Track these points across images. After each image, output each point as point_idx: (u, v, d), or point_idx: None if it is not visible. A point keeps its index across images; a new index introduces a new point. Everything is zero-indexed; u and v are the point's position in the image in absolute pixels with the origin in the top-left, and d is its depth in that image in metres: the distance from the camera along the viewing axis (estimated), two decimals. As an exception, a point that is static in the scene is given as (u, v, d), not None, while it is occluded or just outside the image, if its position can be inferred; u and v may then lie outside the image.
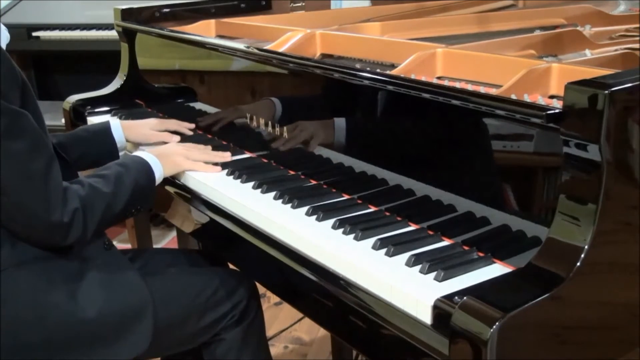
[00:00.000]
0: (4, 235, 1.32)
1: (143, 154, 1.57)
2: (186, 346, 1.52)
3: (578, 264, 0.98)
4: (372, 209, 1.37)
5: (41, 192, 1.28)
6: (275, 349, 2.49)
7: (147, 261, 1.65)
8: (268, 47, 1.71)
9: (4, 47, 1.33)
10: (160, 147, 1.69)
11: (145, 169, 1.51)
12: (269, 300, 2.76)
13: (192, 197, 1.60)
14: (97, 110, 2.19)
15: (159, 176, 1.54)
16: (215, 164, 1.63)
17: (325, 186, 1.49)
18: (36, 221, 1.29)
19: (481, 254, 1.15)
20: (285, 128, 1.60)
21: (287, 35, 1.77)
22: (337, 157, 1.49)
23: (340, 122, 1.48)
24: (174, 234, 3.30)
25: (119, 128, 1.76)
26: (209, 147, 1.70)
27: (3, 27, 1.41)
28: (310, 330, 2.65)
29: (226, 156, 1.66)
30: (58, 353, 1.33)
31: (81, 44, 3.51)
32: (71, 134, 1.74)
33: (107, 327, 1.37)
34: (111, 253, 1.45)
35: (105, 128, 1.76)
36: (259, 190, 1.49)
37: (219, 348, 1.52)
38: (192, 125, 1.89)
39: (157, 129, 1.84)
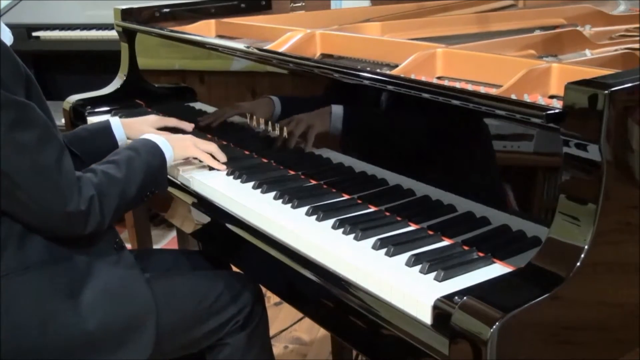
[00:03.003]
0: (9, 238, 1.31)
1: (152, 136, 1.56)
2: (189, 350, 1.51)
3: (578, 264, 0.98)
4: (372, 209, 1.37)
5: (55, 183, 1.27)
6: (275, 349, 2.47)
7: (148, 262, 1.64)
8: (268, 47, 1.71)
9: None
10: (173, 134, 1.70)
11: (156, 150, 1.51)
12: (269, 300, 2.76)
13: (192, 197, 1.60)
14: (97, 110, 2.19)
15: (169, 157, 1.54)
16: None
17: (325, 186, 1.49)
18: (53, 212, 1.28)
19: (481, 254, 1.15)
20: (285, 128, 1.60)
21: (287, 35, 1.77)
22: (337, 157, 1.49)
23: (340, 117, 1.47)
24: (174, 234, 3.30)
25: (120, 126, 1.76)
26: (214, 143, 1.69)
27: (7, 29, 1.42)
28: (310, 330, 2.65)
29: (222, 166, 1.64)
30: (60, 359, 1.32)
31: (81, 44, 3.51)
32: (72, 134, 1.74)
33: (109, 336, 1.36)
34: (121, 254, 1.44)
35: (106, 127, 1.76)
36: (259, 190, 1.49)
37: (222, 352, 1.51)
38: (192, 125, 1.89)
39: (157, 126, 1.84)
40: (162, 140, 1.54)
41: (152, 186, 1.48)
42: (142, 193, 1.45)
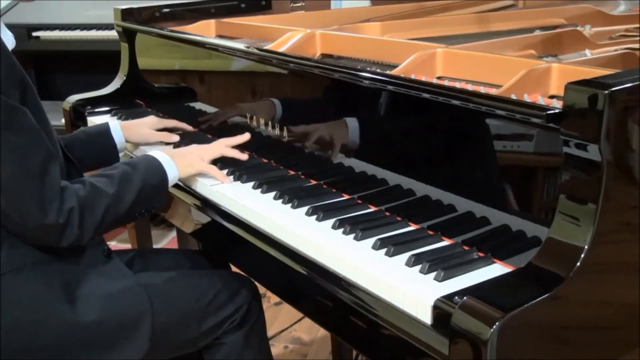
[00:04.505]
0: (3, 238, 1.31)
1: (157, 153, 1.52)
2: (187, 350, 1.51)
3: (578, 264, 0.98)
4: (372, 209, 1.37)
5: (36, 191, 1.26)
6: (275, 349, 2.49)
7: (147, 262, 1.65)
8: (268, 47, 1.71)
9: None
10: (177, 149, 1.66)
11: (157, 169, 1.47)
12: (269, 300, 2.76)
13: (192, 198, 1.60)
14: (97, 110, 2.19)
15: (172, 177, 1.50)
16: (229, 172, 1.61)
17: (325, 186, 1.49)
18: (30, 221, 1.27)
19: (481, 254, 1.15)
20: (285, 128, 1.60)
21: (287, 35, 1.77)
22: (337, 157, 1.49)
23: (340, 118, 1.47)
24: (174, 234, 3.30)
25: (119, 129, 1.76)
26: (224, 142, 1.64)
27: (9, 33, 1.42)
28: (310, 330, 2.65)
29: (243, 156, 1.62)
30: (55, 358, 1.33)
31: (81, 44, 3.51)
32: (71, 137, 1.73)
33: (104, 333, 1.36)
34: (110, 261, 1.45)
35: (105, 130, 1.75)
36: (259, 190, 1.49)
37: (219, 352, 1.51)
38: (190, 127, 1.89)
39: (156, 128, 1.84)
40: (167, 159, 1.50)
41: (147, 205, 1.45)
42: (133, 211, 1.42)
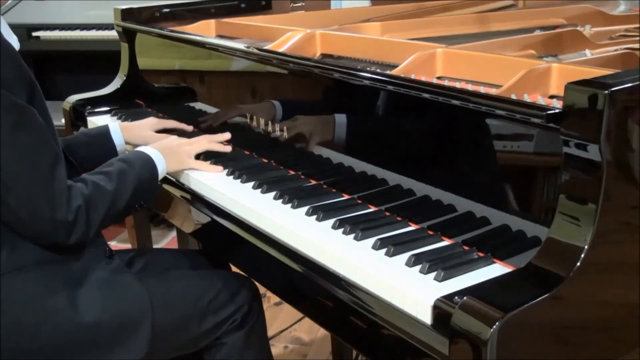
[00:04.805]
0: (3, 239, 1.31)
1: (146, 148, 1.57)
2: (187, 350, 1.51)
3: (578, 264, 0.98)
4: (372, 209, 1.37)
5: (46, 190, 1.27)
6: (275, 349, 2.49)
7: (147, 262, 1.65)
8: (268, 47, 1.71)
9: None
10: (163, 141, 1.68)
11: (148, 164, 1.52)
12: (269, 300, 2.76)
13: (192, 197, 1.61)
14: (97, 110, 2.19)
15: (161, 170, 1.55)
16: (217, 162, 1.64)
17: (325, 186, 1.49)
18: (41, 219, 1.28)
19: (481, 254, 1.15)
20: (285, 128, 1.60)
21: (287, 35, 1.77)
22: (337, 157, 1.49)
23: (340, 117, 1.48)
24: (174, 234, 3.30)
25: (118, 131, 1.76)
26: (207, 138, 1.70)
27: (14, 36, 1.42)
28: (310, 330, 2.65)
29: (227, 148, 1.69)
30: (55, 358, 1.33)
31: (81, 44, 3.51)
32: (71, 138, 1.74)
33: (104, 333, 1.36)
34: (112, 261, 1.45)
35: (105, 132, 1.76)
36: (259, 190, 1.49)
37: (220, 352, 1.51)
38: (191, 127, 1.90)
39: (156, 129, 1.84)
40: (156, 153, 1.55)
41: (141, 199, 1.49)
42: (130, 205, 1.46)
